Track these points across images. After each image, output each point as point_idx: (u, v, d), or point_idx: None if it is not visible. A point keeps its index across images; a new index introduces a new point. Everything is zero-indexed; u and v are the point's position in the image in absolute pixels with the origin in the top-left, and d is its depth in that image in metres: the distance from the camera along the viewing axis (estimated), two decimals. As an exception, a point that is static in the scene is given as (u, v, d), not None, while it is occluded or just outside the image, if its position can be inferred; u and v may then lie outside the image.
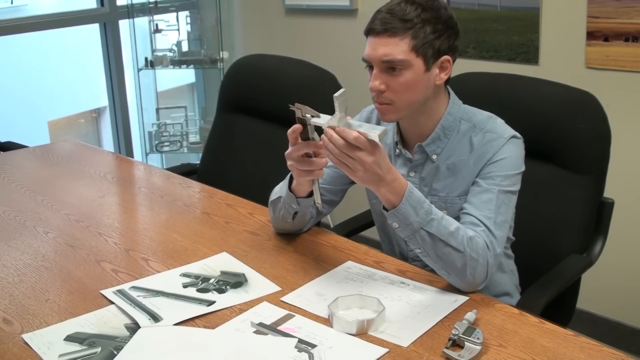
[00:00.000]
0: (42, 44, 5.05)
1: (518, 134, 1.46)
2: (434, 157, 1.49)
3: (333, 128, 1.26)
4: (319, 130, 1.31)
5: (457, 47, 1.44)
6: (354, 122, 1.29)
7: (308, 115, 1.31)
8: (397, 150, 1.54)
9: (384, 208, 1.33)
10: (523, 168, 1.45)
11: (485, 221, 1.37)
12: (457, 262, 1.31)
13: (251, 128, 2.30)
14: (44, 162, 2.35)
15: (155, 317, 1.29)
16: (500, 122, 1.48)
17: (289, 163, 1.38)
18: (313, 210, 1.58)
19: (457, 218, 1.41)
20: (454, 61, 1.44)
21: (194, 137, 3.85)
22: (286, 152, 1.37)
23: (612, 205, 1.71)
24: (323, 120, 1.29)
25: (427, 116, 1.47)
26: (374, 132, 1.24)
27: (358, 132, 1.24)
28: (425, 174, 1.51)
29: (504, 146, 1.42)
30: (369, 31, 1.40)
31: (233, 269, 1.49)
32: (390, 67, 1.38)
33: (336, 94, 1.25)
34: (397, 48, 1.37)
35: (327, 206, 1.62)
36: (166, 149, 3.77)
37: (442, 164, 1.49)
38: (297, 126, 1.33)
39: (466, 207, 1.41)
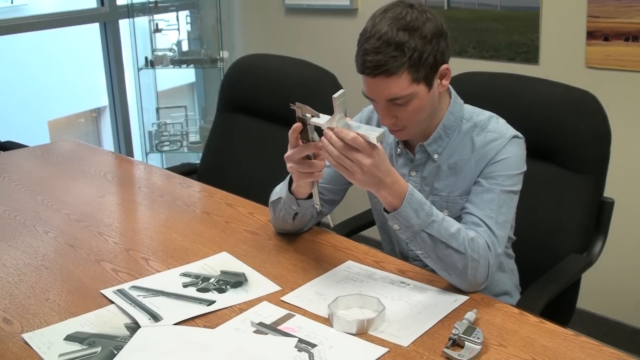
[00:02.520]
0: (42, 43, 5.04)
1: (520, 134, 1.46)
2: (436, 156, 1.49)
3: (332, 129, 1.25)
4: (319, 130, 1.31)
5: (449, 47, 1.40)
6: (352, 123, 1.28)
7: (308, 115, 1.31)
8: (399, 150, 1.54)
9: (385, 210, 1.33)
10: (525, 168, 1.45)
11: (486, 221, 1.37)
12: (458, 263, 1.31)
13: (251, 128, 2.30)
14: (44, 161, 2.35)
15: (155, 317, 1.29)
16: (502, 122, 1.48)
17: (288, 165, 1.38)
18: (313, 211, 1.58)
19: (459, 217, 1.41)
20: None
21: (194, 137, 3.85)
22: (286, 155, 1.36)
23: (612, 205, 1.71)
24: (322, 120, 1.29)
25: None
26: (372, 134, 1.23)
27: (357, 133, 1.24)
28: (427, 173, 1.51)
29: (506, 146, 1.42)
30: (362, 72, 1.35)
31: (233, 269, 1.48)
32: (396, 102, 1.36)
33: (335, 95, 1.24)
34: (399, 86, 1.33)
35: (328, 205, 1.62)
36: (166, 148, 3.77)
37: (444, 164, 1.49)
38: (297, 125, 1.33)
39: (468, 207, 1.41)
